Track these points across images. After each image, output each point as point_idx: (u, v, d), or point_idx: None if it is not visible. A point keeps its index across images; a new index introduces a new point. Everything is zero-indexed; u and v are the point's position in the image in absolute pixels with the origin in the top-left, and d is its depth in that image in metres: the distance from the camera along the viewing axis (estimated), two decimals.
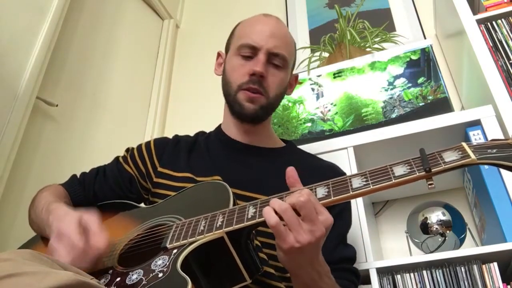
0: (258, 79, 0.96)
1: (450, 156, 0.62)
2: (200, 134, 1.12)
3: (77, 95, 1.65)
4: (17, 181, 1.29)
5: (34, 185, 1.33)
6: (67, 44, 1.63)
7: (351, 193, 0.65)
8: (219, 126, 1.11)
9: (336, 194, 0.66)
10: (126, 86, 1.97)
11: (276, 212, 0.65)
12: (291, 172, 0.72)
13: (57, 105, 1.47)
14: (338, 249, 0.89)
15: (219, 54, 1.11)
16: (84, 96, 1.69)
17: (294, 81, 1.12)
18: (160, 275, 0.64)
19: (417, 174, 0.62)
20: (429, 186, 0.61)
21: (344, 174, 0.99)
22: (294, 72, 1.12)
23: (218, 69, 1.09)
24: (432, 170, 0.61)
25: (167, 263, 0.66)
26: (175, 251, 0.69)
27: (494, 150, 0.60)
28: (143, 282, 0.64)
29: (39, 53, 1.39)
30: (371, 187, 0.64)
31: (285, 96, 1.12)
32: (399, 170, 0.64)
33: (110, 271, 0.72)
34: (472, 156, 0.60)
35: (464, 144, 0.63)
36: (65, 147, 1.53)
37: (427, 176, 0.62)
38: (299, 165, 0.98)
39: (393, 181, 0.63)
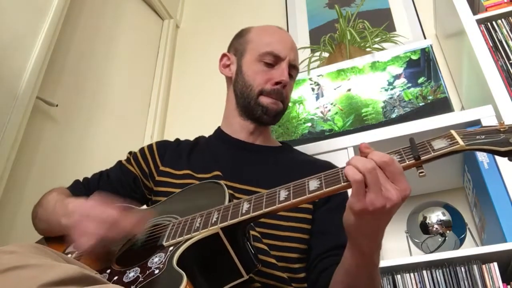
0: (282, 88, 1.02)
1: (439, 144, 0.62)
2: (201, 137, 1.15)
3: (77, 95, 1.65)
4: (17, 181, 1.29)
5: (34, 185, 1.33)
6: (67, 44, 1.63)
7: (342, 184, 0.64)
8: (218, 128, 1.13)
9: (328, 186, 0.65)
10: (126, 86, 1.97)
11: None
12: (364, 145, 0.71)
13: (57, 105, 1.47)
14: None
15: (225, 55, 1.13)
16: (84, 96, 1.69)
17: None
18: (156, 271, 0.65)
19: (407, 162, 0.63)
20: (420, 174, 0.62)
21: None
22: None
23: (224, 70, 1.12)
24: (422, 158, 0.62)
25: (163, 260, 0.67)
26: (171, 248, 0.70)
27: (483, 136, 0.61)
28: (140, 279, 0.65)
29: (39, 53, 1.39)
30: None
31: None
32: None
33: (108, 270, 0.72)
34: (461, 142, 0.61)
35: (453, 131, 0.64)
36: (65, 147, 1.53)
37: (417, 164, 0.62)
38: (296, 162, 1.04)
39: None
